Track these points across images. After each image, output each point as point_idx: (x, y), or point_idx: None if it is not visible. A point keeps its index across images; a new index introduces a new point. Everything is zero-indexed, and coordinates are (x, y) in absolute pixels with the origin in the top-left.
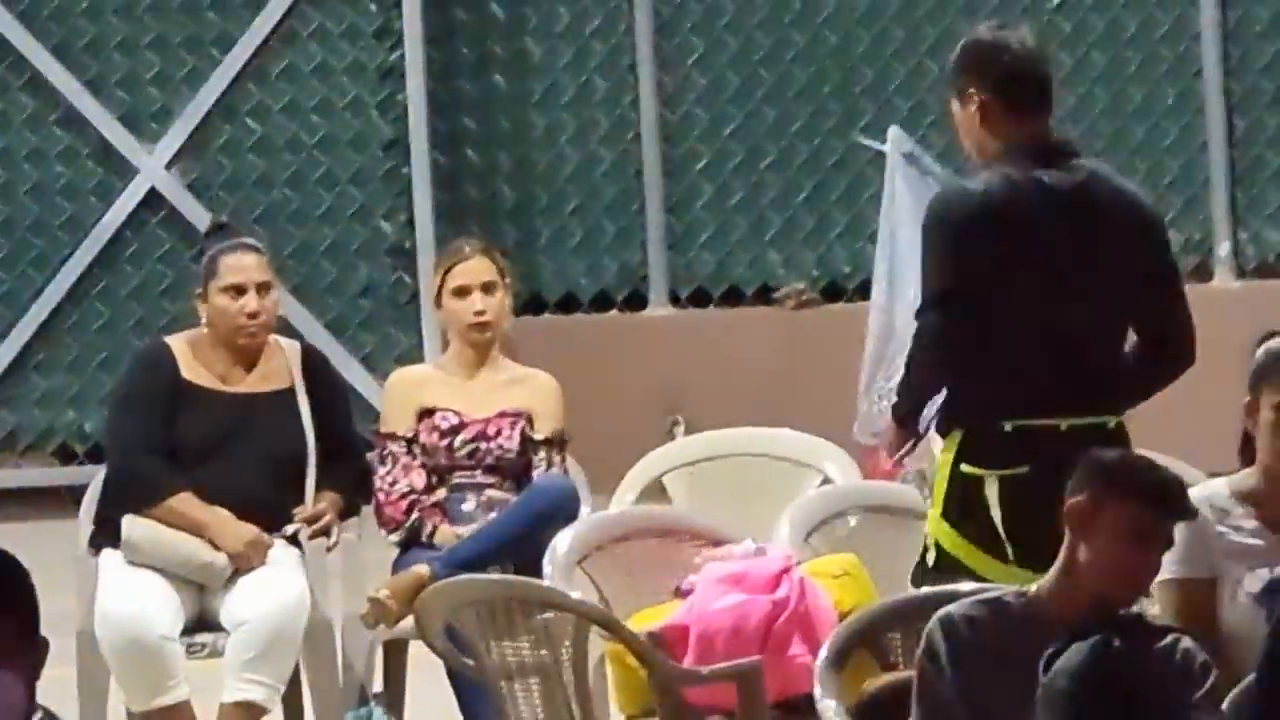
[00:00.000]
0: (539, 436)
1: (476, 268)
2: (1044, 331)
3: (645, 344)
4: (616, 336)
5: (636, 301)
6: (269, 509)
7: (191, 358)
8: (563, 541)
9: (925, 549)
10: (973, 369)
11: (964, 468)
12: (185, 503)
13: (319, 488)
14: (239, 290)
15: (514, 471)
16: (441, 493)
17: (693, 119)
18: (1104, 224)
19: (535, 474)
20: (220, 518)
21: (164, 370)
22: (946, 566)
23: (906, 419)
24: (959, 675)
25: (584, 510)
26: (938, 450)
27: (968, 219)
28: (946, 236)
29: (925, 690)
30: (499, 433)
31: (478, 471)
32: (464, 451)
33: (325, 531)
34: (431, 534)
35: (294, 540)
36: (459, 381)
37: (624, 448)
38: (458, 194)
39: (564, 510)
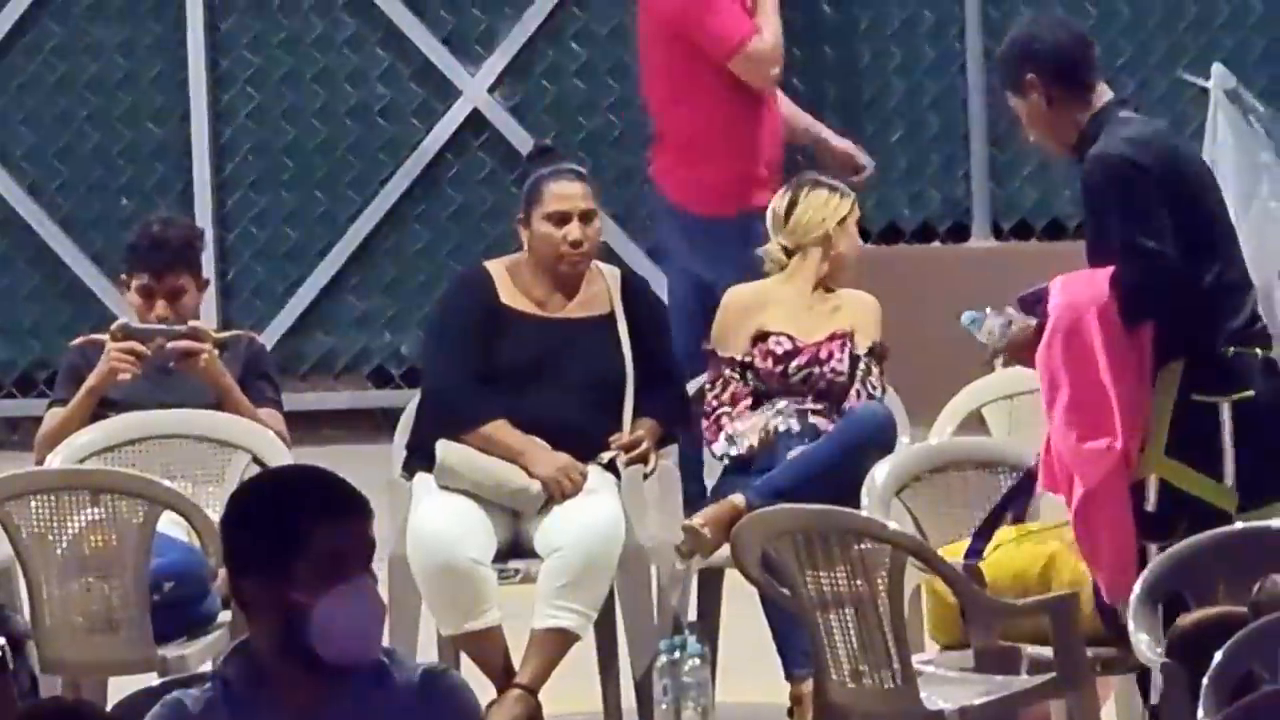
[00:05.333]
0: (860, 351)
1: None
2: (1233, 261)
3: (967, 275)
4: (938, 267)
5: (959, 233)
6: (586, 435)
7: (510, 283)
8: (880, 471)
9: (1143, 498)
10: (1195, 299)
11: (1195, 397)
12: (500, 430)
13: (637, 414)
14: (563, 218)
15: (839, 396)
16: (765, 416)
17: None
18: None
19: (853, 391)
20: (535, 445)
21: (482, 296)
22: (1171, 507)
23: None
24: None
25: (902, 440)
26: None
27: (1151, 163)
28: (1137, 183)
29: None
30: (830, 356)
31: (808, 397)
32: (798, 377)
33: (642, 459)
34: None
35: (610, 467)
36: (795, 304)
37: (943, 379)
38: None
39: (881, 440)
